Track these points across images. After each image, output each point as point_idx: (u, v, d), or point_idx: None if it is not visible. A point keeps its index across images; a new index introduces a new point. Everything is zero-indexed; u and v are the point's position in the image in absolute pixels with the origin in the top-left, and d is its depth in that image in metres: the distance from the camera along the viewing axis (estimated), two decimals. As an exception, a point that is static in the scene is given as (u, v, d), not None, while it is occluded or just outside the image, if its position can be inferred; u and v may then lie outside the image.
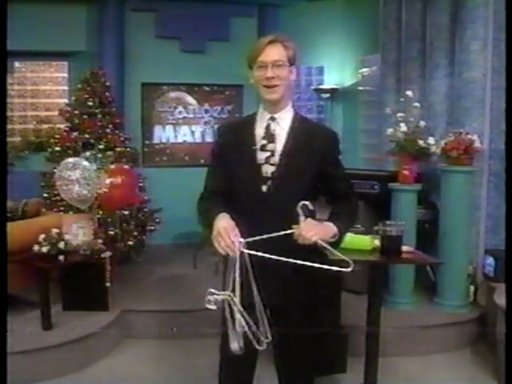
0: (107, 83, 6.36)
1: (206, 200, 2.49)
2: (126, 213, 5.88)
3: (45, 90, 7.65)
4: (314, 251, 2.23)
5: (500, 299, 4.06)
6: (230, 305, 2.12)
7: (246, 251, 2.11)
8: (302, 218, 2.16)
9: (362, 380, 3.22)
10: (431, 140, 4.77)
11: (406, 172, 4.75)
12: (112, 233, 5.67)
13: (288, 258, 2.13)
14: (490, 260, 4.71)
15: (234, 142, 2.49)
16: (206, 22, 7.48)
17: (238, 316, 2.12)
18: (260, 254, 2.13)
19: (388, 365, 3.87)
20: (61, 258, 4.22)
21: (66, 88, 7.62)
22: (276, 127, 2.44)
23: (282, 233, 2.16)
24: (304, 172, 2.40)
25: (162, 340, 4.62)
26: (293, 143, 2.41)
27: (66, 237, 4.39)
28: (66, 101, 7.34)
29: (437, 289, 4.87)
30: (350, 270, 2.11)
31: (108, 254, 4.59)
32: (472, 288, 4.83)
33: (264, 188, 2.39)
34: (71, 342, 4.13)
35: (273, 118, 2.44)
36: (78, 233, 4.59)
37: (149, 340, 4.65)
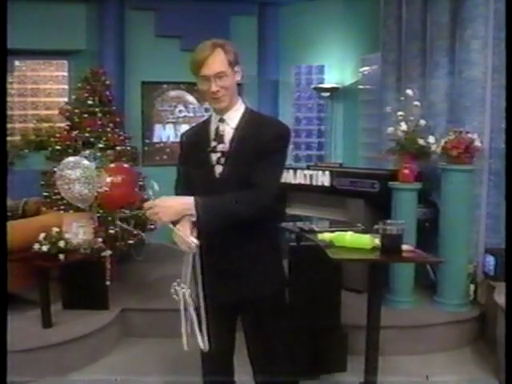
0: (107, 82, 6.35)
1: None
2: (127, 211, 5.87)
3: (45, 88, 7.66)
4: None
5: (500, 298, 4.06)
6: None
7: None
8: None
9: (362, 379, 3.22)
10: (431, 139, 4.76)
11: (406, 171, 4.75)
12: (112, 231, 5.66)
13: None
14: (490, 259, 4.71)
15: (192, 145, 2.57)
16: (207, 20, 7.46)
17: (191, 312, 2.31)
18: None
19: (388, 363, 3.87)
20: (61, 256, 4.23)
21: (66, 87, 7.63)
22: (225, 127, 2.47)
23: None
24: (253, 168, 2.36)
25: (162, 338, 4.62)
26: (238, 141, 2.43)
27: (66, 236, 4.39)
28: (66, 99, 7.36)
29: (437, 287, 4.86)
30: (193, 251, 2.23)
31: (108, 252, 4.59)
32: (472, 287, 4.83)
33: (217, 188, 2.40)
34: (71, 341, 4.13)
35: (222, 120, 2.48)
36: (78, 232, 4.59)
37: (149, 339, 4.66)
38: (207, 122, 2.56)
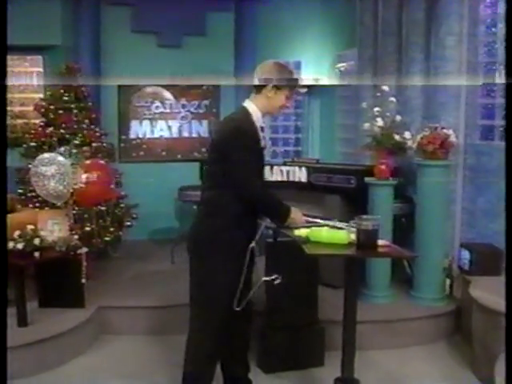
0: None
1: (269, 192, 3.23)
2: (103, 208, 5.84)
3: (19, 84, 7.56)
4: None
5: (475, 292, 4.11)
6: None
7: None
8: None
9: (339, 373, 3.23)
10: (407, 134, 4.80)
11: (382, 166, 4.78)
12: (88, 229, 5.62)
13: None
14: (465, 253, 4.76)
15: (254, 139, 3.09)
16: (183, 16, 7.43)
17: None
18: None
19: (365, 358, 3.89)
20: (36, 254, 4.18)
21: (41, 83, 7.53)
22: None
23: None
24: None
25: (138, 336, 4.60)
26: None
27: (42, 233, 4.35)
28: (41, 95, 7.26)
29: (413, 282, 4.90)
30: None
31: (84, 250, 4.56)
32: (448, 281, 4.88)
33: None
34: (47, 339, 4.10)
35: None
36: (53, 229, 4.55)
37: (125, 336, 4.63)
38: (254, 124, 3.11)
